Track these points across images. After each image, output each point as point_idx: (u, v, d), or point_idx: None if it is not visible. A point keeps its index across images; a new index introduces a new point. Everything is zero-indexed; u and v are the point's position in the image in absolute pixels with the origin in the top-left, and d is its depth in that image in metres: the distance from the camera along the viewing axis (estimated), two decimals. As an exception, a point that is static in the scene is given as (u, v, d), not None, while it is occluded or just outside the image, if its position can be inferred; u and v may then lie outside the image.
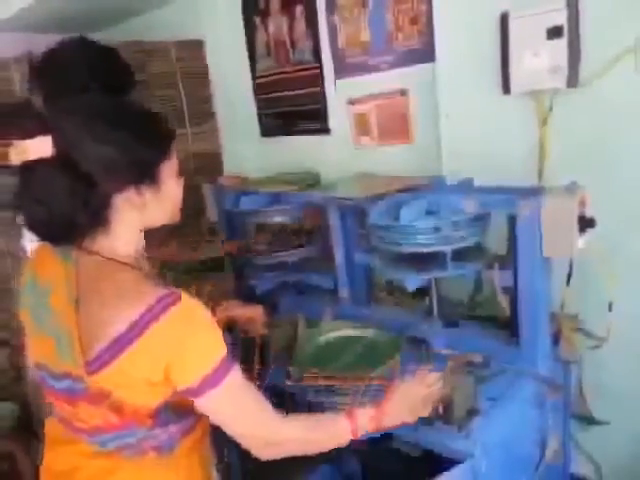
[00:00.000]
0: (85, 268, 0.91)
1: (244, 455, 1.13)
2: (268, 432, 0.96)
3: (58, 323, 0.89)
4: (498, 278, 1.36)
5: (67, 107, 0.90)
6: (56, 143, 0.83)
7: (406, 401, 1.08)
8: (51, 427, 1.05)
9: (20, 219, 0.89)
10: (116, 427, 0.92)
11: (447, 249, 1.34)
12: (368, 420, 1.03)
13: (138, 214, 0.93)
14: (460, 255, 1.37)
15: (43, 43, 1.97)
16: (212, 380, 0.88)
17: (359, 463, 1.73)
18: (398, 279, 1.46)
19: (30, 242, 1.41)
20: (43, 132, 0.83)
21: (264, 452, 0.98)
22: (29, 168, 0.84)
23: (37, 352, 0.98)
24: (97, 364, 0.86)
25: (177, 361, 0.87)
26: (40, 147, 0.83)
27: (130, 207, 0.91)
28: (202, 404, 0.91)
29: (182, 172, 1.00)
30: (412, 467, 1.30)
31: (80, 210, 0.85)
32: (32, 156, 0.83)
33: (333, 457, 1.70)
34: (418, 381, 1.10)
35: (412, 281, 1.40)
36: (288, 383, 1.38)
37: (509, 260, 1.36)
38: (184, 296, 0.88)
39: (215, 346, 0.90)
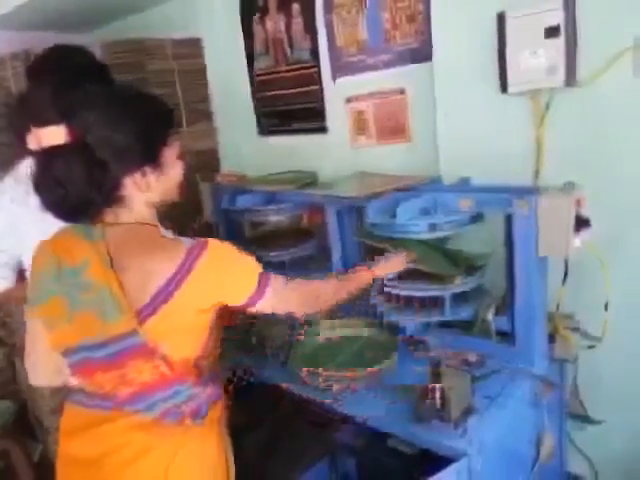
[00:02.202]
0: (114, 237, 1.00)
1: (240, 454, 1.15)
2: (315, 299, 1.19)
3: (99, 291, 0.95)
4: (493, 321, 1.41)
5: (82, 98, 0.97)
6: (72, 131, 0.91)
7: (388, 263, 1.38)
8: (71, 419, 1.08)
9: (38, 200, 0.96)
10: (165, 382, 0.99)
11: (446, 294, 1.39)
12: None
13: (144, 193, 1.02)
14: (460, 297, 1.42)
15: (39, 41, 1.96)
16: (257, 294, 1.05)
17: (355, 461, 1.73)
18: (397, 321, 1.51)
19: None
20: (58, 121, 0.91)
21: (314, 310, 1.20)
22: (48, 153, 0.92)
23: (72, 335, 1.00)
24: (144, 314, 0.95)
25: (225, 293, 1.03)
26: (54, 135, 0.91)
27: (136, 188, 1.00)
28: (261, 308, 1.08)
29: (182, 156, 1.09)
30: (408, 465, 1.30)
31: (95, 191, 0.94)
32: (46, 143, 0.91)
33: (329, 454, 1.70)
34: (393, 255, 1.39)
35: (411, 325, 1.48)
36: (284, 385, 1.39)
37: (506, 305, 1.39)
38: (210, 240, 1.01)
39: (252, 266, 1.07)
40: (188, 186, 2.32)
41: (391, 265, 1.39)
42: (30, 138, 0.92)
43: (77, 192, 0.93)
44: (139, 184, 0.99)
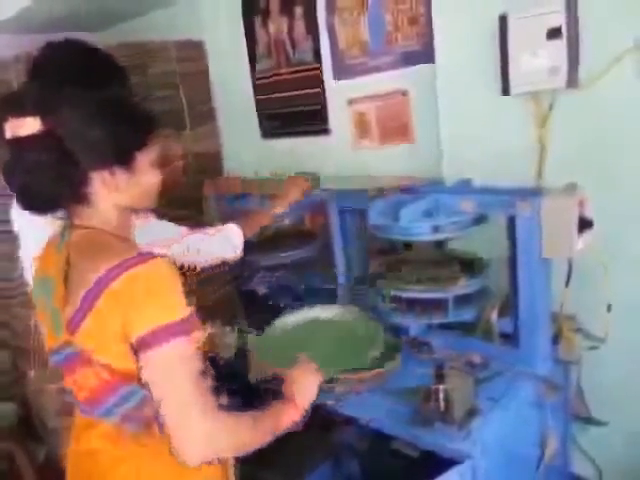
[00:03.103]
0: (74, 241, 1.00)
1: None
2: (206, 416, 0.89)
3: (53, 300, 0.98)
4: (496, 322, 1.40)
5: (61, 93, 0.98)
6: (45, 122, 0.92)
7: (305, 389, 1.12)
8: (75, 418, 1.10)
9: (9, 189, 0.97)
10: (112, 386, 0.95)
11: (449, 296, 1.38)
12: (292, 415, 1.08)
13: (111, 194, 1.00)
14: (463, 299, 1.41)
15: (42, 44, 1.96)
16: (163, 335, 0.87)
17: (359, 463, 1.73)
18: (400, 323, 1.50)
19: (18, 215, 1.44)
20: (35, 112, 0.92)
21: (190, 446, 0.89)
22: (20, 142, 0.93)
23: (49, 339, 1.03)
24: (74, 323, 0.93)
25: (134, 312, 0.88)
26: (28, 125, 0.92)
27: (105, 187, 0.99)
28: (147, 361, 0.89)
29: (161, 165, 1.08)
30: (412, 468, 1.30)
31: (61, 183, 0.95)
32: (22, 132, 0.92)
33: (333, 456, 1.71)
34: (303, 370, 1.15)
35: (414, 327, 1.47)
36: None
37: (510, 307, 1.38)
38: (159, 259, 0.92)
39: (176, 306, 0.91)
40: (190, 188, 2.33)
41: (308, 383, 1.14)
42: (6, 127, 0.94)
43: (43, 181, 0.94)
44: (107, 183, 0.99)
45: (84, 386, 0.99)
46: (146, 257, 0.92)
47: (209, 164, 2.58)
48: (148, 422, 0.97)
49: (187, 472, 0.95)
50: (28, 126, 0.92)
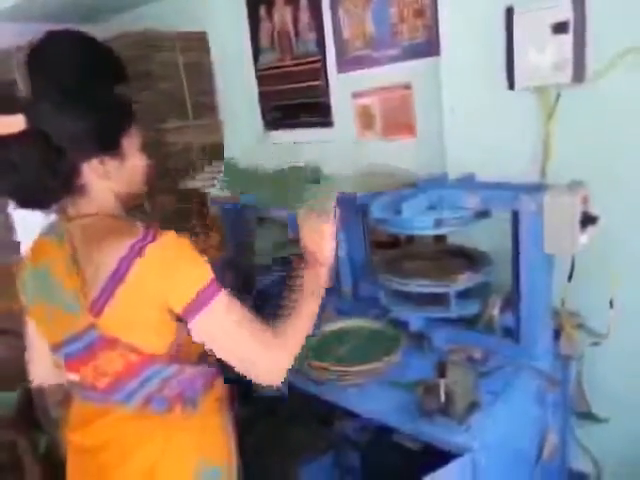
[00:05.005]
0: (76, 231, 1.02)
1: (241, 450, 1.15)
2: (268, 348, 0.99)
3: (62, 288, 0.99)
4: (498, 316, 1.40)
5: (41, 87, 0.99)
6: (30, 119, 0.93)
7: (320, 242, 1.16)
8: (75, 409, 1.12)
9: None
10: (137, 367, 0.99)
11: (451, 290, 1.38)
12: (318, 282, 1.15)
13: (105, 182, 1.02)
14: (465, 293, 1.41)
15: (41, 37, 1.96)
16: (205, 297, 0.95)
17: (359, 456, 1.74)
18: (402, 317, 1.50)
19: (14, 209, 1.45)
20: (19, 110, 0.92)
21: (268, 376, 1.01)
22: (5, 141, 0.93)
23: (53, 333, 1.04)
24: (98, 305, 0.94)
25: (171, 285, 0.95)
26: (13, 123, 0.92)
27: (96, 175, 1.01)
28: (200, 325, 0.96)
29: (144, 149, 1.10)
30: (412, 461, 1.31)
31: (51, 177, 0.96)
32: (4, 131, 0.92)
33: (333, 449, 1.71)
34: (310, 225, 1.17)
35: (415, 321, 1.46)
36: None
37: (512, 301, 1.38)
38: (167, 232, 0.98)
39: (202, 268, 0.98)
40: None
41: (320, 237, 1.15)
42: None
43: (32, 178, 0.94)
44: (98, 172, 1.00)
45: (107, 371, 1.00)
46: (157, 231, 0.97)
47: (211, 156, 2.58)
48: (170, 402, 1.03)
49: (206, 444, 1.08)
50: (12, 124, 0.92)
